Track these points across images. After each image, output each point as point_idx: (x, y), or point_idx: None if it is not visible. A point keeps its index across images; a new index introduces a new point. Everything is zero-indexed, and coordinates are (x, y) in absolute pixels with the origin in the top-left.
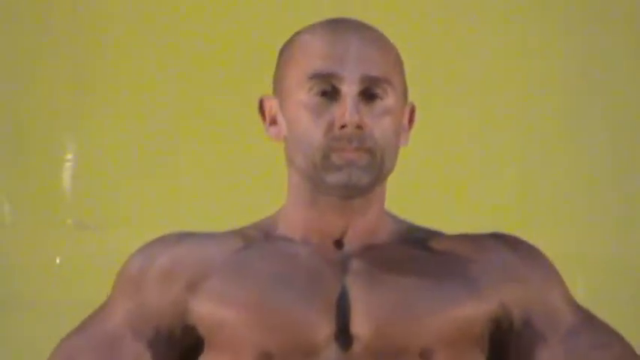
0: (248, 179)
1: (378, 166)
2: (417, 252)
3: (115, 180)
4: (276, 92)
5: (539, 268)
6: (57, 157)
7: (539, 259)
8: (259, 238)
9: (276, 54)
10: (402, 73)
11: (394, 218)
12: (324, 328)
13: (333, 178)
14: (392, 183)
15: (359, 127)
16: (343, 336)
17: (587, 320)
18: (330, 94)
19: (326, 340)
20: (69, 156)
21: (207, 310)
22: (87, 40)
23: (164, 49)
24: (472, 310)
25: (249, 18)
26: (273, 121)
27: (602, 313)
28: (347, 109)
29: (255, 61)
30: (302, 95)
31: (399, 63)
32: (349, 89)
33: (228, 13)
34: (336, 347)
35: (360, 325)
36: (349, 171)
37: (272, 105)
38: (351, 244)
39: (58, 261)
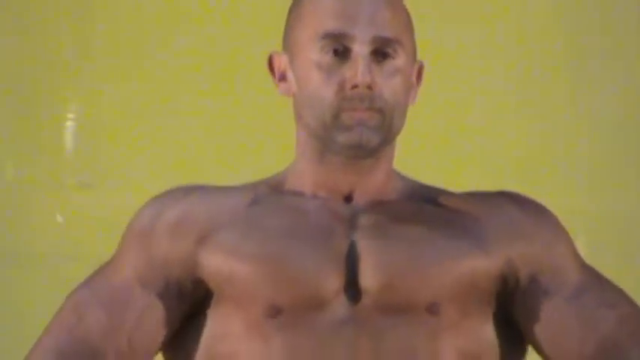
0: (252, 136)
1: (387, 126)
2: (425, 208)
3: (116, 139)
4: (286, 49)
5: (546, 226)
6: (59, 117)
7: (546, 216)
8: (269, 193)
9: (279, 12)
10: (411, 33)
11: (403, 177)
12: (332, 282)
13: (344, 137)
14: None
15: (370, 87)
16: (352, 289)
17: (594, 279)
18: (342, 53)
19: (335, 293)
20: (71, 115)
21: (216, 263)
22: (88, 7)
23: (164, 6)
24: (479, 265)
25: None
26: (283, 78)
27: (604, 268)
28: (359, 69)
29: (258, 17)
30: (313, 54)
31: (409, 23)
32: (361, 49)
33: None
34: (345, 300)
35: (369, 279)
36: (360, 131)
37: (282, 61)
38: (359, 200)
39: (59, 219)
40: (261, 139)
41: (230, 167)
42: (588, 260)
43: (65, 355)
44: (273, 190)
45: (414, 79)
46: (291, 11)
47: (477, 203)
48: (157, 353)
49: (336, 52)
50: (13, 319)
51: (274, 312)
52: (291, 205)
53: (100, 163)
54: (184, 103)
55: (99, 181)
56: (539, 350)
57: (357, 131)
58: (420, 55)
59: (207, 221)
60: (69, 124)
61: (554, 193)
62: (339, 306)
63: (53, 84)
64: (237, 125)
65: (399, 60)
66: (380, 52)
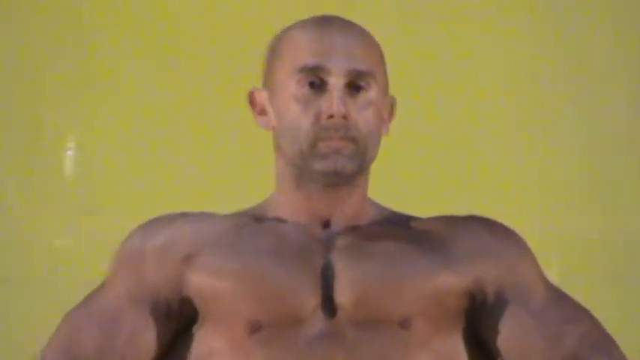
0: (237, 168)
1: (361, 155)
2: (397, 230)
3: (112, 169)
4: (266, 85)
5: (513, 247)
6: (60, 148)
7: (513, 237)
8: (251, 219)
9: (262, 50)
10: (384, 67)
11: (377, 204)
12: (310, 299)
13: (320, 165)
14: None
15: (344, 117)
16: (328, 305)
17: (558, 297)
18: (318, 86)
19: (312, 309)
20: (70, 145)
21: (201, 282)
22: (88, 38)
23: (161, 41)
24: (448, 282)
25: (239, 17)
26: (263, 112)
27: (576, 288)
28: (334, 100)
29: (244, 58)
30: (291, 87)
31: (381, 58)
32: (336, 81)
33: (221, 13)
34: (322, 316)
35: (344, 295)
36: (335, 158)
37: (261, 96)
38: (336, 225)
39: (58, 243)
40: (250, 170)
41: (220, 195)
42: (560, 281)
43: None
44: (255, 218)
45: (386, 112)
46: (270, 49)
47: (447, 225)
48: None
49: (312, 85)
50: (11, 343)
51: (255, 327)
52: (272, 229)
53: (98, 189)
54: (176, 139)
55: (97, 206)
56: None
57: (332, 159)
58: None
59: (192, 243)
60: (69, 152)
61: (527, 216)
62: (317, 321)
63: (54, 114)
64: (226, 156)
65: (372, 92)
66: (354, 85)
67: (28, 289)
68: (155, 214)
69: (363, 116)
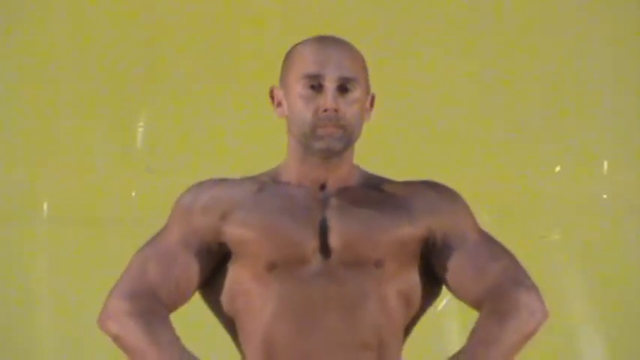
0: (266, 141)
1: (348, 137)
2: (374, 192)
3: (172, 140)
4: (281, 85)
5: (454, 203)
6: (134, 122)
7: (454, 196)
8: (269, 182)
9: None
10: (366, 73)
11: (360, 170)
12: (311, 244)
13: (318, 144)
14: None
15: (336, 110)
16: (324, 249)
17: (487, 240)
18: (317, 87)
19: (312, 252)
20: (142, 122)
21: (233, 232)
22: (156, 27)
23: (207, 47)
24: (409, 233)
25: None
26: (279, 104)
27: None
28: (328, 98)
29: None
30: (298, 88)
31: (364, 67)
32: (330, 85)
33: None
34: (320, 258)
35: (335, 241)
36: (329, 140)
37: (278, 93)
38: (330, 187)
39: (133, 194)
40: (272, 142)
41: (251, 160)
42: (491, 228)
43: (135, 296)
44: (272, 180)
45: (367, 105)
46: (284, 60)
47: (408, 188)
48: (194, 293)
49: (312, 87)
50: (93, 277)
51: (272, 267)
52: (284, 191)
53: (161, 155)
54: (223, 113)
55: (161, 168)
56: (449, 289)
57: (327, 140)
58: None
59: (227, 204)
60: (140, 129)
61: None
62: (316, 262)
63: (128, 100)
64: (256, 131)
65: (356, 92)
66: (343, 87)
67: (108, 230)
68: (203, 177)
69: (349, 110)
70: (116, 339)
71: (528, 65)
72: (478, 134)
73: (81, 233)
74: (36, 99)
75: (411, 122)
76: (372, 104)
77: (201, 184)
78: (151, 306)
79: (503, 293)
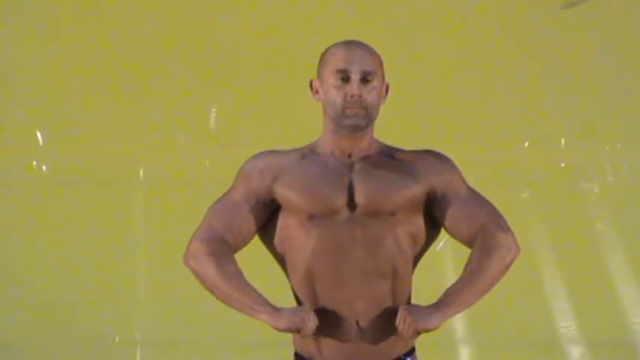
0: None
1: (369, 116)
2: (388, 160)
3: (237, 121)
4: (318, 77)
5: (449, 166)
6: (208, 108)
7: (450, 161)
8: (308, 152)
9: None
10: (382, 68)
11: (378, 142)
12: (341, 200)
13: (347, 121)
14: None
15: (360, 96)
16: (351, 204)
17: (474, 193)
18: (346, 79)
19: (342, 206)
20: (214, 108)
21: (282, 191)
22: (221, 32)
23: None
24: (416, 190)
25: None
26: (317, 92)
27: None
28: (354, 87)
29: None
30: (332, 80)
31: (381, 63)
32: (355, 77)
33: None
34: (347, 210)
35: (359, 198)
36: (355, 118)
37: (316, 83)
38: (355, 156)
39: (207, 164)
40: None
41: (292, 136)
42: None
43: (208, 240)
44: (311, 151)
45: (383, 92)
46: (320, 58)
47: (414, 156)
48: (253, 237)
49: (342, 79)
50: (179, 229)
51: (311, 217)
52: (320, 160)
53: (228, 134)
54: (275, 101)
55: (229, 143)
56: (446, 231)
57: (353, 119)
58: None
59: (277, 169)
60: (212, 113)
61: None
62: (344, 213)
63: (203, 91)
64: (301, 116)
65: (375, 82)
66: (365, 79)
67: (189, 192)
68: (261, 149)
69: (370, 96)
70: (195, 274)
71: (508, 53)
72: (464, 116)
73: (169, 194)
74: (133, 90)
75: (408, 104)
76: (386, 91)
77: (258, 155)
78: (220, 248)
79: (487, 233)
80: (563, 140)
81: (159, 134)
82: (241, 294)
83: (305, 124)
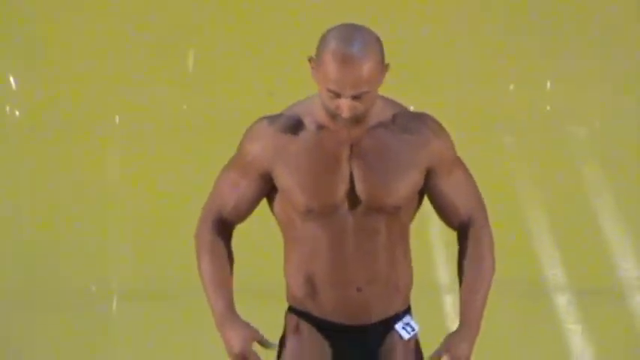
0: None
1: (363, 117)
2: (388, 137)
3: (220, 61)
4: (315, 64)
5: (443, 140)
6: (185, 49)
7: (443, 132)
8: (310, 126)
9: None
10: (379, 74)
11: (379, 112)
12: (340, 194)
13: (339, 123)
14: None
15: (350, 111)
16: (352, 198)
17: (462, 165)
18: (337, 94)
19: (341, 201)
20: (192, 49)
21: (280, 182)
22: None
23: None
24: (417, 178)
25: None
26: (314, 69)
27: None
28: (345, 110)
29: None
30: (324, 89)
31: (377, 71)
32: (346, 100)
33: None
34: (347, 205)
35: (360, 192)
36: (347, 121)
37: (313, 60)
38: (354, 131)
39: (185, 107)
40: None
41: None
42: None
43: (210, 219)
44: (308, 122)
45: (378, 89)
46: (320, 41)
47: (411, 127)
48: (253, 210)
49: (335, 93)
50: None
51: (309, 211)
52: (318, 140)
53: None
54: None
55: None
56: (434, 208)
57: (346, 121)
58: None
59: (275, 154)
60: (190, 56)
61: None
62: (344, 208)
63: (183, 29)
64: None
65: (369, 94)
66: (357, 97)
67: (162, 140)
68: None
69: (363, 104)
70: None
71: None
72: (448, 58)
73: (145, 140)
74: (109, 34)
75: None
76: (385, 72)
77: (256, 130)
78: (221, 232)
79: (475, 234)
80: (548, 83)
81: (136, 77)
82: (212, 294)
83: (289, 65)
